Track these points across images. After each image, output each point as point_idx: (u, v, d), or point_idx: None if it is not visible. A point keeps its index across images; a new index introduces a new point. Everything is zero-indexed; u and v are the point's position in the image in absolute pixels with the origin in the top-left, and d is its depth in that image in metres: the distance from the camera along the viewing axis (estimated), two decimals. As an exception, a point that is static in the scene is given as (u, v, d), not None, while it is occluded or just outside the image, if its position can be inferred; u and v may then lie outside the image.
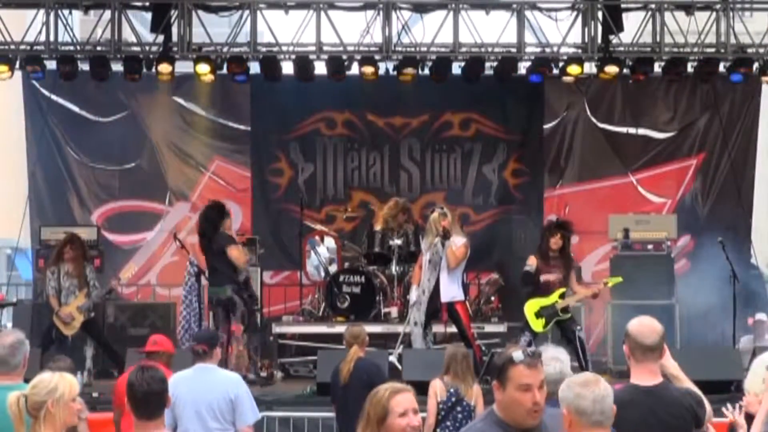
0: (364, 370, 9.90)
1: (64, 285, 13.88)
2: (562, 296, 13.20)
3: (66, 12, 15.69)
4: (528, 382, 4.80)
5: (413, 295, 13.64)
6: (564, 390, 4.85)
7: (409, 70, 15.75)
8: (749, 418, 6.40)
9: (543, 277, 13.27)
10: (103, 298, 14.74)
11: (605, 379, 4.95)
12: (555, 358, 5.72)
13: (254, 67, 16.02)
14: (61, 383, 5.35)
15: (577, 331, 13.15)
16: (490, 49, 15.90)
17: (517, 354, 4.84)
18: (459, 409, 9.69)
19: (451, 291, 13.21)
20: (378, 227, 15.67)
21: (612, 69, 15.58)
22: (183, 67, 16.15)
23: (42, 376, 5.43)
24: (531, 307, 13.21)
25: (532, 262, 13.33)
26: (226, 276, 13.41)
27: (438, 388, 9.74)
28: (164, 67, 15.43)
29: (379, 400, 4.87)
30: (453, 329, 13.53)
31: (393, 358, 13.23)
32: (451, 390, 9.71)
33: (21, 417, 5.31)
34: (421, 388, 12.06)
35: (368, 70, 15.63)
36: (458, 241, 13.18)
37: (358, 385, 9.62)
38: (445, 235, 12.99)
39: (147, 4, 16.14)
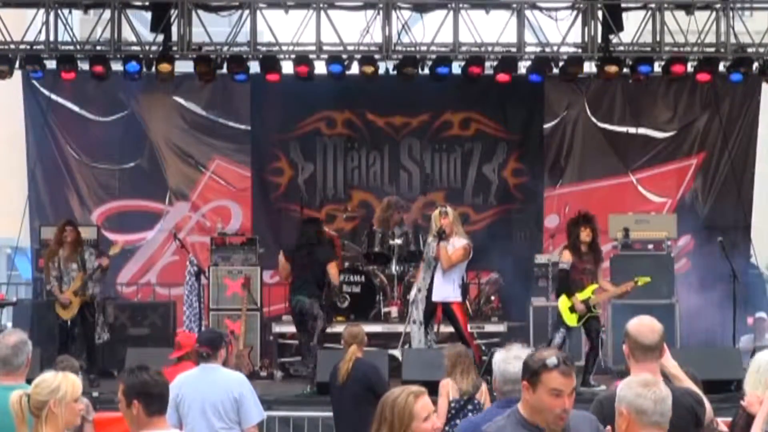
0: (362, 370, 9.91)
1: (64, 272, 13.95)
2: (594, 292, 13.16)
3: (66, 11, 15.67)
4: (561, 388, 4.85)
5: (413, 294, 13.65)
6: (623, 389, 4.89)
7: (409, 70, 15.75)
8: (749, 418, 6.39)
9: (576, 273, 13.22)
10: (100, 278, 14.75)
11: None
12: (518, 357, 5.72)
13: (254, 67, 16.01)
14: (64, 383, 5.35)
15: (600, 331, 13.16)
16: (490, 49, 15.90)
17: (552, 359, 4.87)
18: (470, 407, 9.73)
19: (444, 291, 13.10)
20: (376, 228, 15.72)
21: (612, 68, 15.57)
22: (183, 66, 16.15)
23: (44, 375, 5.43)
24: (565, 302, 13.14)
25: (567, 258, 13.20)
26: (316, 287, 13.90)
27: (450, 388, 9.76)
28: (164, 67, 15.43)
29: (404, 405, 4.88)
30: (450, 329, 13.52)
31: (397, 352, 13.24)
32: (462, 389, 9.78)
33: (23, 416, 5.31)
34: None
35: (368, 69, 15.63)
36: (457, 243, 13.10)
37: (356, 385, 9.64)
38: (440, 235, 12.93)
39: (147, 3, 16.12)
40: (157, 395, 5.34)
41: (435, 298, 13.11)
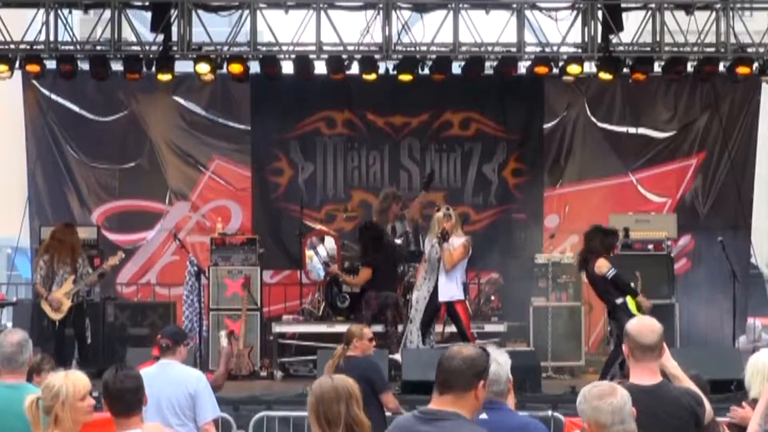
0: (360, 368, 9.87)
1: (57, 272, 13.90)
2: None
3: (66, 11, 15.67)
4: None
5: (415, 295, 13.65)
6: (581, 403, 4.85)
7: (409, 70, 15.75)
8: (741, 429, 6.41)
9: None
10: (94, 283, 14.76)
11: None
12: (493, 360, 5.74)
13: (254, 67, 16.02)
14: (65, 385, 5.35)
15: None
16: (490, 49, 15.91)
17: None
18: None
19: (449, 291, 13.19)
20: (375, 220, 15.73)
21: (612, 68, 15.58)
22: (183, 66, 16.15)
23: (50, 378, 5.46)
24: (633, 303, 13.12)
25: (608, 264, 13.06)
26: (394, 281, 14.70)
27: None
28: (164, 67, 15.44)
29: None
30: (452, 329, 13.53)
31: (398, 356, 13.24)
32: None
33: (38, 419, 5.34)
34: (421, 388, 12.13)
35: (368, 69, 15.64)
36: (456, 242, 13.15)
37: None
38: (444, 237, 12.98)
39: (147, 3, 16.13)
40: (116, 396, 5.34)
41: (441, 298, 13.17)
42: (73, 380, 5.40)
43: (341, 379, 5.16)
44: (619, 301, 12.95)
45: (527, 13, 15.73)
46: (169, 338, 8.44)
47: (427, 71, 15.92)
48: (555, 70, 16.01)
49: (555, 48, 16.09)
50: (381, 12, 15.50)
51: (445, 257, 13.03)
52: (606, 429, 4.74)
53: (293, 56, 15.83)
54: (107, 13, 15.46)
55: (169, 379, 8.15)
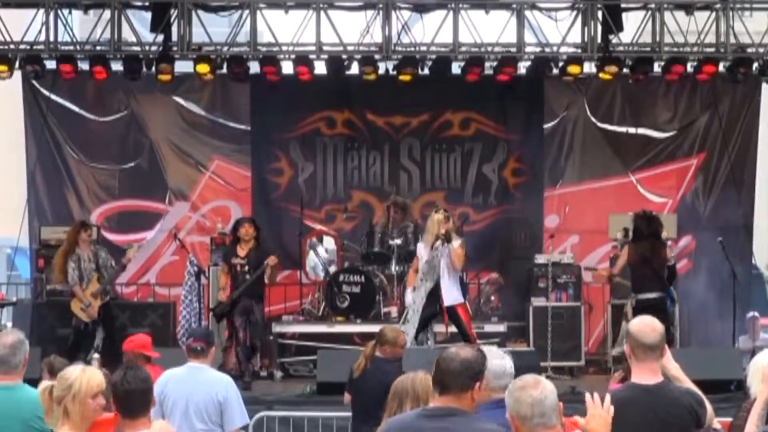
0: (385, 369, 9.82)
1: (84, 272, 14.00)
2: None
3: (66, 11, 15.70)
4: None
5: (408, 298, 13.56)
6: (507, 395, 4.84)
7: (409, 70, 15.76)
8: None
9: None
10: (117, 276, 14.88)
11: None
12: (501, 357, 5.91)
13: (254, 67, 16.02)
14: (78, 380, 5.34)
15: None
16: (489, 49, 15.91)
17: None
18: None
19: (452, 294, 13.13)
20: (378, 227, 15.72)
21: (612, 69, 15.58)
22: (183, 66, 16.15)
23: (68, 369, 5.48)
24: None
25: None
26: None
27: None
28: (164, 67, 15.44)
29: (427, 383, 5.86)
30: (453, 329, 13.52)
31: None
32: None
33: (51, 406, 5.34)
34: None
35: (368, 69, 15.64)
36: (455, 243, 13.15)
37: (375, 382, 9.49)
38: (447, 239, 12.97)
39: (147, 3, 16.14)
40: (123, 397, 5.32)
41: (447, 302, 13.10)
42: (88, 376, 5.38)
43: (405, 379, 6.13)
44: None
45: (527, 13, 15.74)
46: (203, 340, 8.34)
47: (427, 71, 15.92)
48: (555, 71, 16.02)
49: (555, 48, 16.10)
50: (381, 12, 15.52)
51: (454, 258, 12.95)
52: (526, 421, 4.71)
53: (293, 56, 15.84)
54: (107, 13, 15.48)
55: (198, 384, 8.10)
